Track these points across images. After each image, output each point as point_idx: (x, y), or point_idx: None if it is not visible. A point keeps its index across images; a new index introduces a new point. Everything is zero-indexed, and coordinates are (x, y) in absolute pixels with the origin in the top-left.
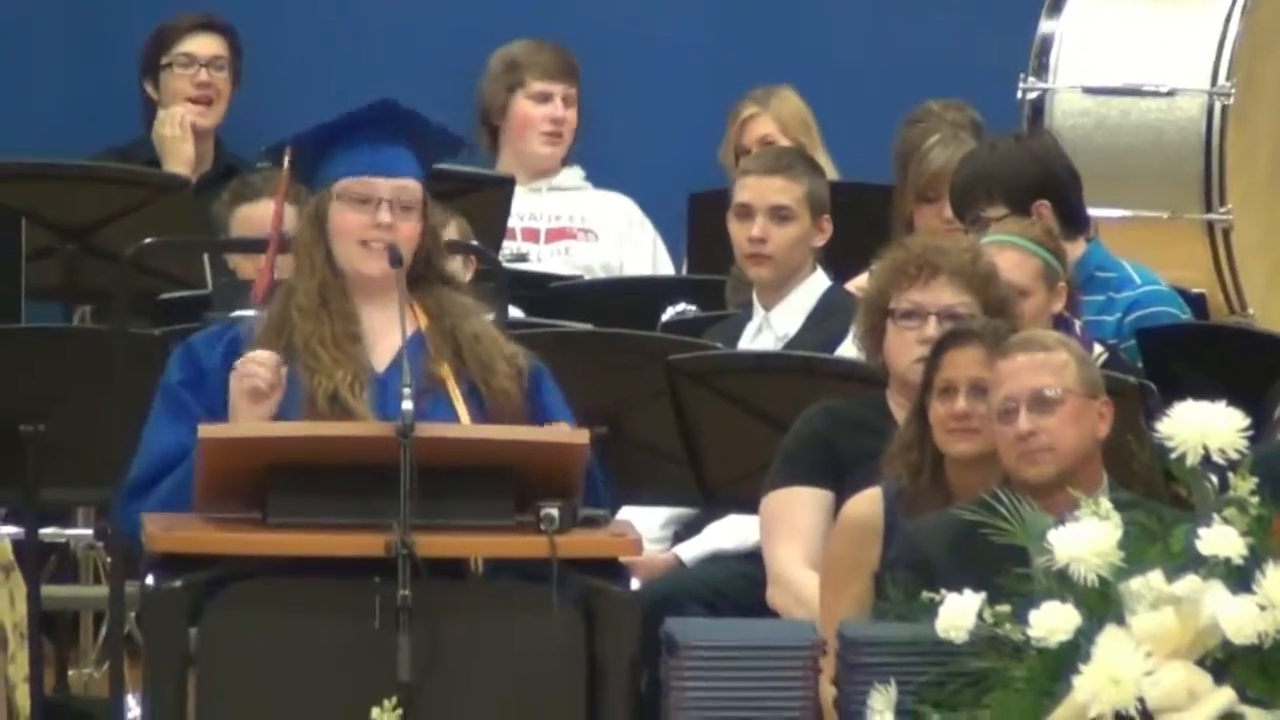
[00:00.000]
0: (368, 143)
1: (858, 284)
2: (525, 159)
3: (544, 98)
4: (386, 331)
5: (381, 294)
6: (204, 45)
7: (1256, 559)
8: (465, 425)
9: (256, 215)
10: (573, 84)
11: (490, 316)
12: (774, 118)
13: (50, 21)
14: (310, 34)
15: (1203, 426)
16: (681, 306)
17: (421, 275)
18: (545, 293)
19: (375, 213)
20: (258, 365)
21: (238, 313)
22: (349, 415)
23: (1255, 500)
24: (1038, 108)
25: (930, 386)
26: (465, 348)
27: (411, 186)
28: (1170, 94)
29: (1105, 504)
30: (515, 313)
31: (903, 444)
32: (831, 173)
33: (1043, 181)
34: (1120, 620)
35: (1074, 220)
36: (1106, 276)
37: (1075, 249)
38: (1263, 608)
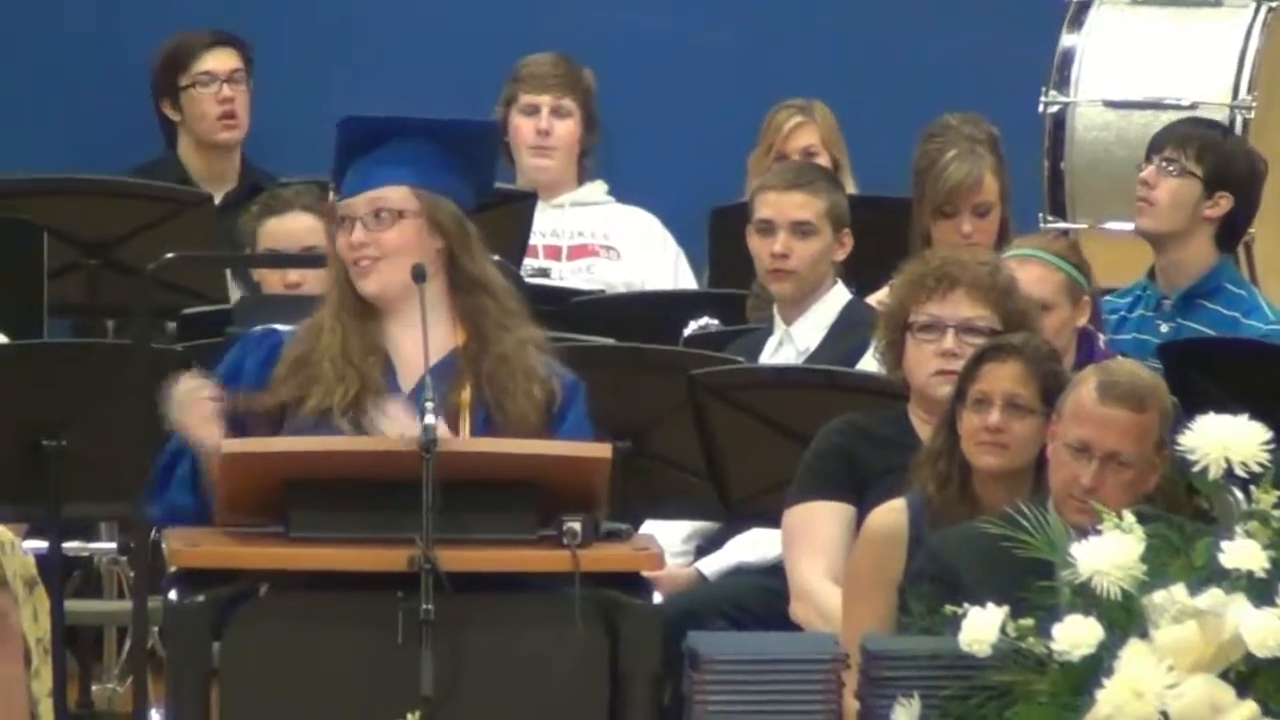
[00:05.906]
0: (354, 164)
1: (878, 297)
2: (525, 174)
3: (532, 110)
4: (418, 351)
5: (412, 312)
6: (221, 61)
7: (1279, 572)
8: (487, 440)
9: (284, 229)
10: (564, 95)
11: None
12: (819, 128)
13: (70, 40)
14: (325, 46)
15: (1225, 439)
16: (703, 321)
17: (455, 282)
18: (567, 308)
19: (350, 233)
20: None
21: (261, 327)
22: (336, 434)
23: (1278, 513)
24: (1059, 121)
25: (963, 396)
26: (486, 371)
27: (390, 194)
28: (1192, 107)
29: (1129, 518)
30: None
31: (931, 453)
32: (851, 186)
33: (1242, 178)
34: (1143, 634)
35: (1234, 231)
36: (1237, 293)
37: (1209, 255)
38: None
